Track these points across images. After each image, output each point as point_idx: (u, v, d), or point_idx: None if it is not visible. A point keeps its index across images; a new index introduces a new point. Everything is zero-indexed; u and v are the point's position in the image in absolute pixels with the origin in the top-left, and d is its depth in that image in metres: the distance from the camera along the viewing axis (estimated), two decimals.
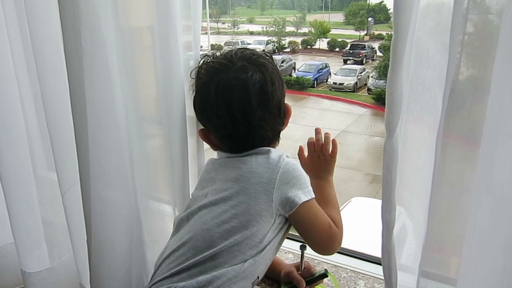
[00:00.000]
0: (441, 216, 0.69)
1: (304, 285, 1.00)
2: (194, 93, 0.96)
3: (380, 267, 0.80)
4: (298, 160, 1.03)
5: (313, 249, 0.95)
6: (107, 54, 0.84)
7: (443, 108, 0.62)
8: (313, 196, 0.90)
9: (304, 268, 1.04)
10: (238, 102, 0.88)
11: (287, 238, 1.09)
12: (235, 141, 0.93)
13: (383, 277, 0.80)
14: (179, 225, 0.93)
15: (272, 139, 0.95)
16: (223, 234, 0.84)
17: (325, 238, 0.92)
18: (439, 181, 0.67)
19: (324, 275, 1.02)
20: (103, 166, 0.90)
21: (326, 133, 1.05)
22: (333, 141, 1.05)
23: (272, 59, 0.95)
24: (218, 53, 0.95)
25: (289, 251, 1.22)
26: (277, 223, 0.88)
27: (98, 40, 0.82)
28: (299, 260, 1.04)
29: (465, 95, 0.65)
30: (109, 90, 0.87)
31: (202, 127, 0.99)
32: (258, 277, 0.89)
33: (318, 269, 1.06)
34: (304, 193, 0.88)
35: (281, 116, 0.94)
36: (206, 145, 1.05)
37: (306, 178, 0.91)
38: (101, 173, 0.90)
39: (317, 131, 1.06)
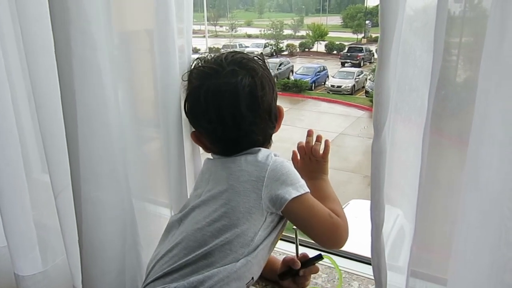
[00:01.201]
0: (429, 216, 0.70)
1: (299, 265, 1.00)
2: (185, 97, 0.96)
3: None
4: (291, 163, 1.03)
5: (320, 245, 0.94)
6: (97, 56, 0.84)
7: (429, 108, 0.63)
8: (307, 190, 0.89)
9: (300, 254, 1.04)
10: (227, 107, 0.88)
11: (281, 239, 1.09)
12: (226, 145, 0.93)
13: None
14: (171, 226, 0.94)
15: (263, 143, 0.95)
16: (214, 232, 0.85)
17: (328, 230, 0.90)
18: (427, 181, 0.67)
19: (320, 256, 1.01)
20: (94, 168, 0.90)
21: (318, 135, 1.06)
22: (326, 142, 1.05)
23: (264, 62, 0.95)
24: (209, 57, 0.95)
25: (284, 252, 1.21)
26: (268, 222, 0.88)
27: (88, 42, 0.82)
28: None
29: (452, 94, 0.66)
30: (100, 92, 0.87)
31: (194, 130, 0.99)
32: (252, 278, 0.89)
33: None
34: (296, 188, 0.87)
35: (272, 120, 0.94)
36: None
37: (296, 173, 0.90)
38: (92, 175, 0.90)
39: (309, 134, 1.06)
